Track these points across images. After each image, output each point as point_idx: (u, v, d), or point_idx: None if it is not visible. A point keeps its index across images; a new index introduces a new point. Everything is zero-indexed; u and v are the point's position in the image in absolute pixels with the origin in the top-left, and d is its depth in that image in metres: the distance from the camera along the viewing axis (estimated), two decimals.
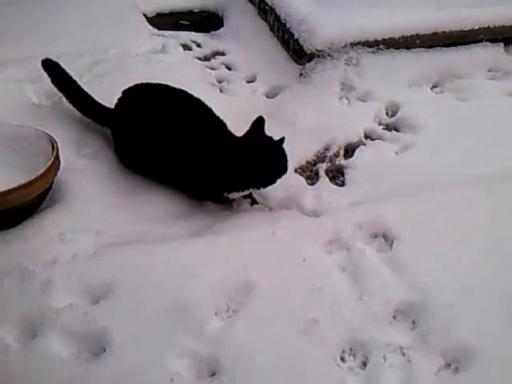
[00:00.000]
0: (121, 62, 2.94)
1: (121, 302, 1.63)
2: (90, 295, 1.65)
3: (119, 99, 2.26)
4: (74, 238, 1.85)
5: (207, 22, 3.65)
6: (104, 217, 2.02)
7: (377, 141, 2.47)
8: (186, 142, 2.06)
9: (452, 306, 1.58)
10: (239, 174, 2.00)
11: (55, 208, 1.98)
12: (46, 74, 2.39)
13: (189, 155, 2.06)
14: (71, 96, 2.37)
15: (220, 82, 2.92)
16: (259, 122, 2.03)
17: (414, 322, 1.59)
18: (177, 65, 2.97)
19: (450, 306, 1.58)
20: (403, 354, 1.52)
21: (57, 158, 1.99)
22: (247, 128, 2.04)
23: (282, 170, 2.01)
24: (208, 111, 2.16)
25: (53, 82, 2.39)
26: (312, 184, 2.26)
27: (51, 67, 2.39)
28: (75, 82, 2.37)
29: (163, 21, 3.60)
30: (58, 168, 2.00)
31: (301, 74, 2.81)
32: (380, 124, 2.57)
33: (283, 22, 3.06)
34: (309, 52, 2.80)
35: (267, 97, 2.82)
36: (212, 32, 3.46)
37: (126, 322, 1.57)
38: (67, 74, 2.37)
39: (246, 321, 1.58)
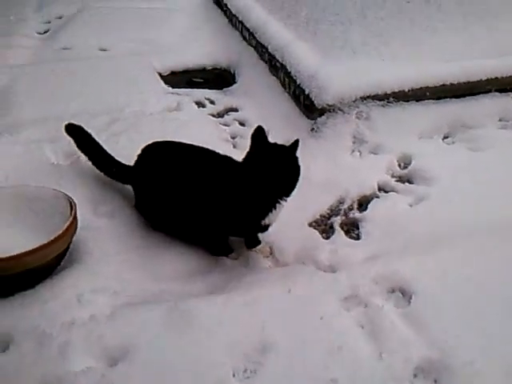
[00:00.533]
0: (136, 120, 3.03)
1: (139, 363, 1.62)
2: (107, 357, 1.64)
3: (139, 156, 2.31)
4: (92, 298, 1.86)
5: (220, 79, 3.76)
6: (121, 276, 2.03)
7: (390, 193, 2.48)
8: (206, 193, 2.08)
9: (473, 363, 1.55)
10: (261, 191, 1.96)
11: (73, 268, 2.00)
12: (70, 139, 2.46)
13: (211, 202, 2.07)
14: (94, 157, 2.43)
15: (233, 138, 2.99)
16: (258, 133, 2.04)
17: (435, 381, 1.56)
18: (191, 122, 3.05)
19: (470, 363, 1.55)
20: None
21: (75, 218, 2.02)
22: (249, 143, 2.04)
23: (297, 173, 1.99)
24: (223, 158, 2.18)
25: (78, 145, 2.46)
26: (327, 238, 2.27)
27: (75, 131, 2.46)
28: (98, 143, 2.43)
29: (177, 79, 3.72)
30: (76, 228, 2.03)
31: (312, 129, 2.86)
32: (393, 176, 2.59)
33: (294, 77, 3.14)
34: (320, 107, 2.86)
35: None
36: (225, 89, 3.56)
37: None
38: (91, 137, 2.44)
39: (265, 382, 1.56)
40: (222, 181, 2.07)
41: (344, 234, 2.28)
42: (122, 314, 1.78)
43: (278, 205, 2.01)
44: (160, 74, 3.71)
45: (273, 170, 1.93)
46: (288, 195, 2.02)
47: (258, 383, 1.57)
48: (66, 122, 2.47)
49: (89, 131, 2.45)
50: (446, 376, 1.55)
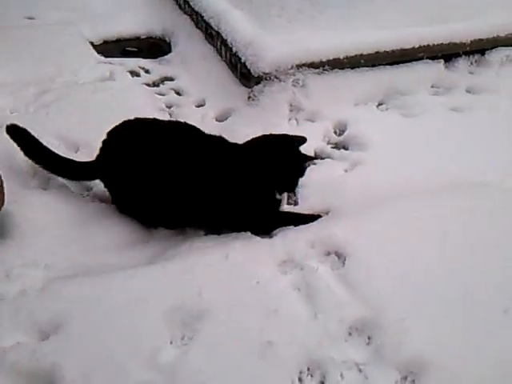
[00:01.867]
0: (67, 90, 2.91)
1: (71, 337, 1.58)
2: (38, 332, 1.59)
3: (108, 142, 2.08)
4: (22, 273, 1.80)
5: (155, 47, 3.65)
6: (53, 249, 1.97)
7: (326, 159, 2.51)
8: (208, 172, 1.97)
9: (403, 319, 1.60)
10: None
11: (1, 243, 1.91)
12: (14, 144, 2.18)
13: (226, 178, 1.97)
14: (46, 162, 2.19)
15: (169, 108, 2.93)
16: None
17: (369, 338, 1.60)
18: (125, 91, 2.96)
19: (401, 320, 1.60)
20: (360, 371, 1.53)
21: (1, 191, 1.93)
22: None
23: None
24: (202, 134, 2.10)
25: (24, 152, 2.19)
26: None
27: (19, 135, 2.18)
28: (46, 147, 2.19)
29: (110, 48, 3.58)
30: (3, 202, 1.94)
31: (249, 97, 2.84)
32: (329, 143, 2.62)
33: (230, 46, 3.10)
34: (256, 75, 2.84)
35: (217, 120, 2.84)
36: (160, 58, 3.47)
37: (77, 357, 1.53)
38: (37, 141, 2.18)
39: (201, 348, 1.56)
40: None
41: None
42: (54, 288, 1.73)
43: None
44: (92, 43, 3.56)
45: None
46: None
47: (195, 349, 1.56)
48: (8, 123, 2.20)
49: (33, 134, 2.19)
50: (378, 333, 1.59)
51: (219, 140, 2.09)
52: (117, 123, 2.10)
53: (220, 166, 1.98)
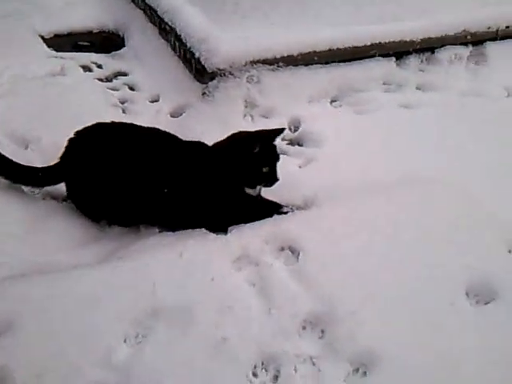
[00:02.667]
0: (16, 85, 2.84)
1: (22, 337, 1.54)
2: None
3: (72, 146, 2.07)
4: None
5: (107, 42, 3.59)
6: (4, 249, 1.93)
7: (281, 156, 2.51)
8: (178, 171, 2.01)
9: (355, 312, 1.64)
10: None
11: None
12: None
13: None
14: (6, 171, 2.13)
15: (123, 103, 2.89)
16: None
17: (322, 331, 1.63)
18: (77, 87, 2.91)
19: (353, 313, 1.64)
20: (313, 364, 1.55)
21: None
22: None
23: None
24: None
25: None
26: None
27: None
28: (7, 158, 2.12)
29: (61, 42, 3.51)
30: None
31: (204, 93, 2.83)
32: (284, 139, 2.64)
33: (184, 41, 3.08)
34: (210, 71, 2.83)
35: (172, 116, 2.82)
36: (113, 52, 3.42)
37: (28, 358, 1.50)
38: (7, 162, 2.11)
39: (155, 346, 1.55)
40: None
41: None
42: (3, 288, 1.69)
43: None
44: (42, 37, 3.48)
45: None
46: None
47: (148, 347, 1.56)
48: None
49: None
50: (331, 326, 1.62)
51: (194, 144, 2.13)
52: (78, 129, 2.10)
53: (190, 165, 2.03)
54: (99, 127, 2.10)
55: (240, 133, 2.11)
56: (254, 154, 2.01)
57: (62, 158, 2.09)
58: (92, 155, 2.04)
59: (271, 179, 2.05)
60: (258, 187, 2.10)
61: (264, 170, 2.03)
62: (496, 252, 1.86)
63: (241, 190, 2.07)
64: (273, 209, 2.11)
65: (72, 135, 2.09)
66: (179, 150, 2.08)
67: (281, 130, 2.10)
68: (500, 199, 2.18)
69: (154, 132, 2.13)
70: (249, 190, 2.08)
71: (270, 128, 2.13)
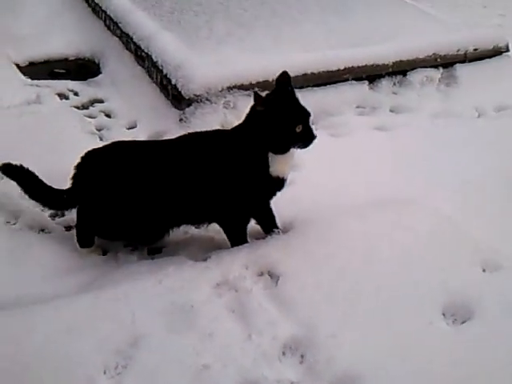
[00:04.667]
0: None
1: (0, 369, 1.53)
2: None
3: (82, 170, 2.05)
4: None
5: (84, 69, 3.61)
6: None
7: None
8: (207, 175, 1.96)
9: (335, 335, 1.65)
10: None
11: None
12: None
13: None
14: (45, 197, 2.12)
15: (100, 130, 2.91)
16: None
17: (302, 356, 1.64)
18: (53, 115, 2.92)
19: (333, 336, 1.65)
20: None
21: None
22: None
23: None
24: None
25: (24, 189, 2.12)
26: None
27: (16, 172, 2.12)
28: (42, 181, 2.12)
29: (37, 70, 3.52)
30: None
31: (181, 119, 2.86)
32: None
33: (160, 68, 3.12)
34: (187, 97, 2.87)
35: None
36: (89, 79, 3.44)
37: None
38: (34, 175, 2.12)
39: (136, 376, 1.55)
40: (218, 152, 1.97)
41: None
42: None
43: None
44: (17, 65, 3.48)
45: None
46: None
47: (129, 378, 1.55)
48: (1, 163, 2.12)
49: (29, 168, 2.13)
50: (311, 350, 1.63)
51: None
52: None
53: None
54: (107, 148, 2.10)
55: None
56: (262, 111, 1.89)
57: (75, 180, 2.06)
58: (109, 173, 2.02)
59: (308, 138, 1.94)
60: (293, 149, 1.98)
61: (297, 129, 1.90)
62: (471, 271, 1.90)
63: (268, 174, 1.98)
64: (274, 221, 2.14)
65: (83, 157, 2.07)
66: (200, 141, 2.04)
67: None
68: (473, 218, 2.23)
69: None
70: (280, 163, 1.97)
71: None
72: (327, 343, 1.64)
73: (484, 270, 1.91)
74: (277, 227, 2.15)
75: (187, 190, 1.98)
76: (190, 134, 2.15)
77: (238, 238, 2.08)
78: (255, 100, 1.89)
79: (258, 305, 1.78)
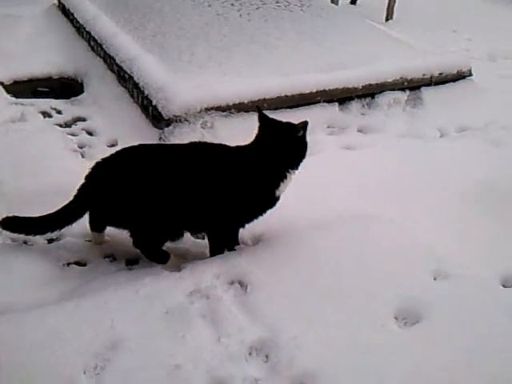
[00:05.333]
0: None
1: None
2: None
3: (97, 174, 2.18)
4: None
5: (67, 88, 3.75)
6: None
7: None
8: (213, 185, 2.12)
9: (296, 338, 1.80)
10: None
11: None
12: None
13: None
14: (42, 227, 2.21)
15: (81, 148, 3.04)
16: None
17: (266, 356, 1.79)
18: (37, 133, 3.04)
19: (294, 338, 1.80)
20: None
21: None
22: None
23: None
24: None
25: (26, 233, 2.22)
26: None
27: (14, 224, 2.21)
28: (39, 219, 2.19)
29: (21, 88, 3.64)
30: None
31: (160, 138, 3.01)
32: None
33: (142, 89, 3.27)
34: (167, 117, 3.02)
35: None
36: (72, 98, 3.58)
37: None
38: (31, 220, 2.19)
39: (113, 376, 1.68)
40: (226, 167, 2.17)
41: (192, 238, 2.44)
42: None
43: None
44: (2, 84, 3.61)
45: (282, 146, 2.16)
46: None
47: (107, 377, 1.68)
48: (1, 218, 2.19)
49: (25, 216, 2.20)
50: (274, 351, 1.78)
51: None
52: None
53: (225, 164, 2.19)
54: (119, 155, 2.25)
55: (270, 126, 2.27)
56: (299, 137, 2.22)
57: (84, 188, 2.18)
58: (125, 178, 2.15)
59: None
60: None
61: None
62: (423, 280, 2.07)
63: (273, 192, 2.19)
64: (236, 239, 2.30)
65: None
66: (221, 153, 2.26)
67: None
68: (429, 230, 2.42)
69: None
70: (289, 182, 2.23)
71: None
72: (289, 344, 1.78)
73: (435, 279, 2.08)
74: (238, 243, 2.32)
75: (198, 197, 2.11)
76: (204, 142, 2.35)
77: (220, 248, 2.24)
78: (268, 124, 2.25)
79: (227, 311, 1.92)
